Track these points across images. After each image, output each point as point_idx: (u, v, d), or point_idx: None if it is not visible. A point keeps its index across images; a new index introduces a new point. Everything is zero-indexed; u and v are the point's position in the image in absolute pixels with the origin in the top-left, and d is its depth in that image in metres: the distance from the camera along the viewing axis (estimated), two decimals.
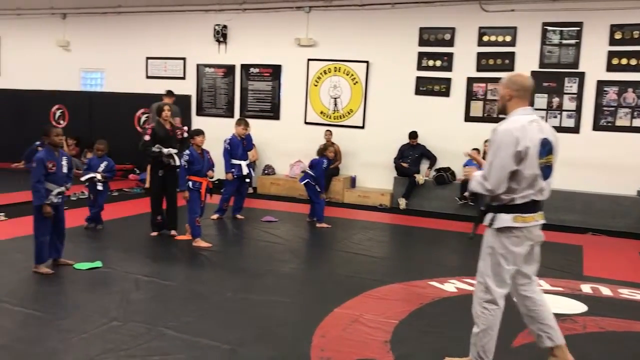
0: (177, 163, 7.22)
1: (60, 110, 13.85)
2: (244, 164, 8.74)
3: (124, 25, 13.22)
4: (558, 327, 3.71)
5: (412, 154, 10.76)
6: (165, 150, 7.20)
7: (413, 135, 10.69)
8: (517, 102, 3.59)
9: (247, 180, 8.93)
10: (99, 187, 7.64)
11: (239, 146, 8.75)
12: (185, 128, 8.08)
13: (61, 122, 13.74)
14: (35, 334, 4.22)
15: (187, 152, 7.06)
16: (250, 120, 11.53)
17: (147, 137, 7.28)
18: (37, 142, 13.05)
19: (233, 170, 8.62)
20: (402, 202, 10.56)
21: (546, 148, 3.48)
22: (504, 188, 3.40)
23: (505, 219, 3.47)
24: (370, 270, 6.35)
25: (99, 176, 7.63)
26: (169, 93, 11.52)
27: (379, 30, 11.14)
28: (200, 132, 7.23)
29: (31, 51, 14.17)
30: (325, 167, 8.67)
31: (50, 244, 5.75)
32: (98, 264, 5.96)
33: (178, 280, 5.66)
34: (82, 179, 7.68)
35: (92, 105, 13.46)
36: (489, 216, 3.56)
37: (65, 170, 5.79)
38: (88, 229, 7.59)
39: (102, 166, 7.72)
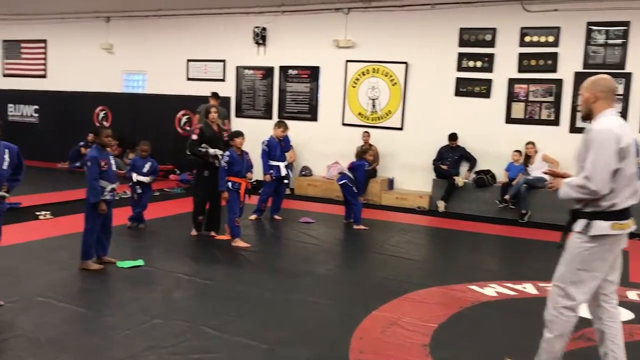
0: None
1: (104, 112, 14.18)
2: (282, 165, 8.79)
3: (166, 28, 13.45)
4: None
5: (452, 155, 10.63)
6: (211, 151, 7.29)
7: (453, 137, 10.57)
8: (603, 104, 3.47)
9: (285, 181, 8.98)
10: (138, 189, 7.79)
11: (277, 147, 8.81)
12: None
13: (104, 123, 14.06)
14: (80, 329, 4.33)
15: (227, 153, 7.14)
16: (288, 122, 11.61)
17: (194, 137, 7.40)
18: (81, 143, 13.50)
19: (272, 171, 8.67)
20: (441, 205, 10.45)
21: (636, 148, 3.41)
22: (609, 188, 3.27)
23: (602, 227, 3.33)
24: (409, 273, 6.31)
25: (147, 179, 7.82)
26: (214, 95, 11.68)
27: (419, 31, 11.06)
28: (239, 134, 7.30)
29: (76, 54, 14.53)
30: (366, 169, 8.65)
31: (97, 241, 5.90)
32: (140, 262, 6.07)
33: (217, 280, 5.72)
34: (135, 179, 7.83)
35: (134, 107, 13.73)
36: (581, 222, 3.40)
37: (114, 168, 5.98)
38: (131, 228, 7.74)
39: (147, 166, 7.88)
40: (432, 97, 11.01)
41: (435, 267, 6.86)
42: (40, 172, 11.92)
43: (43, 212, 8.23)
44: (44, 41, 15.09)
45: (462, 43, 10.75)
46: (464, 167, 10.74)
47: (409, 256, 7.07)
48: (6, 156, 4.61)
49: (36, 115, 14.94)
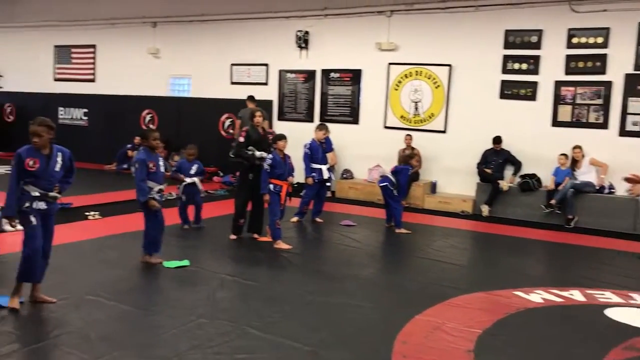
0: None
1: (150, 115, 14.51)
2: (324, 168, 8.83)
3: (210, 33, 13.68)
4: None
5: (496, 159, 10.47)
6: (257, 153, 7.37)
7: (497, 140, 10.41)
8: None
9: (328, 184, 9.00)
10: (181, 194, 8.00)
11: (319, 150, 8.84)
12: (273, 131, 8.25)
13: (151, 126, 14.38)
14: (128, 327, 4.44)
15: (270, 156, 7.21)
16: (329, 125, 11.64)
17: (241, 139, 7.50)
18: (128, 145, 13.84)
19: (314, 174, 8.71)
20: (485, 209, 10.30)
21: None
22: None
23: None
24: (452, 277, 6.24)
25: (197, 181, 8.02)
26: (251, 98, 11.83)
27: (462, 33, 10.94)
28: (282, 137, 7.37)
29: (124, 59, 14.93)
30: (410, 174, 8.59)
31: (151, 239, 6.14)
32: (185, 262, 6.18)
33: (260, 281, 5.78)
34: (187, 181, 8.01)
35: (180, 110, 14.00)
36: None
37: (162, 170, 6.14)
38: (188, 228, 7.96)
39: (194, 168, 8.03)
40: (476, 99, 10.88)
41: (479, 272, 6.77)
42: (88, 174, 12.26)
43: (92, 213, 8.48)
44: (93, 46, 15.55)
45: (507, 45, 10.59)
46: (508, 171, 10.57)
47: (452, 261, 7.00)
48: (59, 159, 4.76)
49: (85, 118, 15.39)
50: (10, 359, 3.83)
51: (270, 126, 11.98)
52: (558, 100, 10.25)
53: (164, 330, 4.38)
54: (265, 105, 12.68)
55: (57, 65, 16.27)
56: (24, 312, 4.62)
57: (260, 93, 12.94)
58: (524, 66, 10.48)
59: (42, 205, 4.69)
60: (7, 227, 7.18)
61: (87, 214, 8.42)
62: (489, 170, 10.43)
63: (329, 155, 11.54)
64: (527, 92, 10.48)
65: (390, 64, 11.64)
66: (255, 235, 7.60)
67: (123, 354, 3.91)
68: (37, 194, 4.63)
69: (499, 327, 4.77)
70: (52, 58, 16.27)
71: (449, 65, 11.11)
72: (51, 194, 4.72)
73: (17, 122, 16.06)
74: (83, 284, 5.36)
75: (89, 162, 13.48)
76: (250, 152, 7.35)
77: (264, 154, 7.36)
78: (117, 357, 3.86)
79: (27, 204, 4.64)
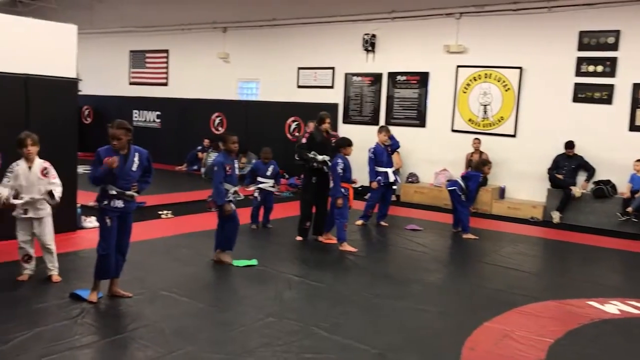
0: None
1: (219, 118, 14.88)
2: (390, 171, 8.79)
3: (278, 37, 13.91)
4: None
5: (568, 164, 10.13)
6: (319, 157, 7.45)
7: (570, 145, 10.07)
8: None
9: (394, 187, 8.96)
10: (261, 192, 8.21)
11: (384, 153, 8.81)
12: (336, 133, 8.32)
13: (220, 128, 14.76)
14: (199, 323, 4.58)
15: (340, 160, 7.25)
16: (395, 128, 11.56)
17: (303, 140, 7.61)
18: (199, 147, 14.25)
19: (379, 178, 8.69)
20: (556, 216, 9.98)
21: None
22: None
23: None
24: (521, 285, 6.09)
25: (272, 183, 8.29)
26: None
27: (534, 35, 10.66)
28: (351, 143, 7.41)
29: (195, 63, 15.39)
30: (480, 182, 8.45)
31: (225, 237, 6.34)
32: (254, 262, 6.32)
33: (327, 282, 5.83)
34: (261, 186, 8.24)
35: (247, 113, 14.29)
36: None
37: (237, 172, 6.34)
38: (257, 228, 8.16)
39: (270, 170, 8.23)
40: (548, 103, 10.57)
41: (550, 280, 6.58)
42: (161, 174, 12.60)
43: (165, 212, 8.80)
44: (166, 51, 16.11)
45: (582, 47, 10.23)
46: (581, 177, 10.20)
47: (522, 268, 6.83)
48: (136, 159, 4.97)
49: (158, 120, 15.95)
50: (90, 349, 4.04)
51: (335, 129, 12.05)
52: (636, 103, 9.81)
53: (234, 327, 4.50)
54: (331, 108, 12.79)
55: (132, 69, 16.96)
56: (103, 306, 4.85)
57: (326, 96, 13.05)
58: (599, 68, 10.10)
59: (119, 203, 4.89)
60: (86, 224, 7.60)
61: (160, 212, 8.75)
62: (560, 176, 10.11)
63: (393, 158, 11.52)
64: (603, 95, 10.08)
65: (459, 66, 11.48)
66: (320, 238, 7.66)
67: (196, 348, 4.05)
68: (114, 192, 4.85)
69: (572, 337, 4.64)
70: (128, 62, 16.97)
71: (519, 67, 10.84)
72: (128, 192, 4.92)
73: (94, 123, 16.83)
74: (157, 280, 5.58)
75: (161, 163, 13.90)
76: (312, 155, 7.42)
77: (326, 158, 7.43)
78: (191, 352, 3.99)
79: (105, 202, 4.87)
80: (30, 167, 5.27)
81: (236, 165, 6.35)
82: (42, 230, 5.37)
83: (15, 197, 5.22)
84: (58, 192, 5.33)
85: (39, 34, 7.07)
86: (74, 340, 4.11)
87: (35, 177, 5.27)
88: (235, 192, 6.29)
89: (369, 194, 9.08)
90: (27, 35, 6.93)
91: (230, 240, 6.34)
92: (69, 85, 7.26)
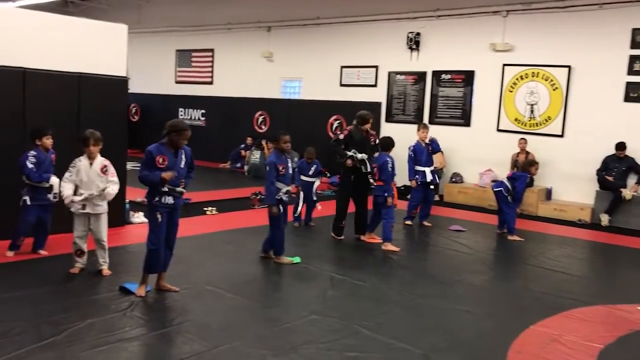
0: (368, 169, 7.42)
1: (263, 116, 15.01)
2: (427, 170, 8.69)
3: (321, 36, 13.94)
4: None
5: (619, 166, 9.83)
6: (359, 155, 7.42)
7: (621, 146, 9.77)
8: None
9: (432, 187, 8.84)
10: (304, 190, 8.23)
11: (424, 152, 8.73)
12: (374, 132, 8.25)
13: (263, 127, 14.88)
14: (244, 319, 4.64)
15: (389, 159, 7.23)
16: (439, 127, 11.43)
17: (341, 136, 7.59)
18: (242, 145, 14.41)
19: (417, 176, 8.64)
20: (605, 218, 9.71)
21: None
22: None
23: None
24: (569, 289, 5.96)
25: (317, 182, 8.38)
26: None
27: (584, 33, 10.39)
28: (394, 144, 7.37)
29: (239, 62, 15.56)
30: (527, 182, 8.30)
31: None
32: (297, 259, 6.36)
33: (370, 281, 5.82)
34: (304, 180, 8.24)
35: (290, 112, 14.36)
36: None
37: (290, 172, 6.32)
38: (300, 226, 8.22)
39: (312, 169, 8.30)
40: (598, 102, 10.29)
41: (599, 284, 6.41)
42: (205, 172, 12.87)
43: (210, 208, 8.93)
44: (212, 50, 16.34)
45: (635, 44, 9.91)
46: (632, 179, 9.89)
47: (570, 271, 6.67)
48: (183, 156, 5.08)
49: (203, 118, 16.19)
50: (138, 342, 4.14)
51: (377, 128, 12.01)
52: None
53: (279, 323, 4.55)
54: (374, 107, 12.76)
55: (178, 68, 17.27)
56: (151, 299, 4.97)
57: (369, 95, 13.01)
58: None
59: (170, 200, 5.02)
60: (134, 219, 7.78)
61: (205, 209, 8.88)
62: (610, 178, 9.82)
63: (437, 157, 11.38)
64: None
65: (505, 65, 11.28)
66: (363, 237, 7.65)
67: (241, 344, 4.11)
68: (165, 189, 4.96)
69: (623, 343, 4.52)
70: (174, 61, 17.28)
71: (568, 66, 10.58)
72: (178, 189, 5.04)
73: (140, 121, 17.21)
74: (203, 275, 5.68)
75: (205, 160, 14.15)
76: (351, 153, 7.38)
77: (365, 156, 7.39)
78: (236, 347, 4.05)
79: (156, 198, 4.99)
80: (91, 164, 5.47)
81: (289, 165, 6.30)
82: (98, 226, 5.55)
83: (74, 193, 5.42)
84: (113, 189, 5.49)
85: (92, 33, 7.29)
86: (124, 332, 4.23)
87: (95, 174, 5.46)
88: (288, 192, 6.24)
89: (410, 194, 9.01)
90: (80, 35, 7.15)
91: (281, 243, 6.32)
92: (120, 83, 7.45)
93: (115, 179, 5.57)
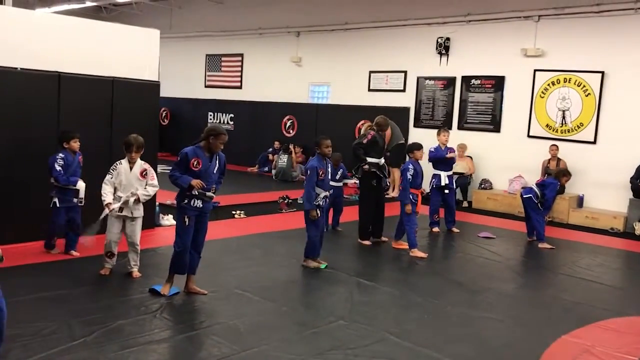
0: (386, 175, 7.56)
1: (291, 121, 15.07)
2: (443, 174, 8.59)
3: (350, 41, 13.94)
4: None
5: None
6: (381, 161, 7.52)
7: None
8: None
9: (446, 191, 8.72)
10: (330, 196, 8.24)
11: (442, 156, 8.68)
12: None
13: (291, 131, 14.94)
14: (272, 323, 4.65)
15: (411, 166, 7.19)
16: (468, 133, 11.33)
17: (364, 140, 7.60)
18: (269, 149, 14.48)
19: (434, 180, 8.59)
20: (638, 227, 9.49)
21: None
22: None
23: None
24: (602, 299, 5.84)
25: (340, 185, 8.38)
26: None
27: (618, 38, 10.19)
28: (420, 147, 7.30)
29: (268, 66, 15.65)
30: (557, 190, 8.17)
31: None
32: (323, 266, 6.35)
33: (397, 287, 5.79)
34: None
35: (318, 117, 14.38)
36: None
37: (329, 177, 6.35)
38: (325, 231, 8.15)
39: (338, 174, 8.31)
40: (632, 109, 10.08)
41: (633, 294, 6.25)
42: (234, 175, 12.92)
43: (238, 212, 8.99)
44: (241, 55, 16.47)
45: None
46: None
47: (602, 280, 6.54)
48: (217, 162, 5.12)
49: (232, 122, 16.31)
50: (167, 343, 4.19)
51: (406, 133, 11.98)
52: None
53: (306, 328, 4.55)
54: (402, 112, 12.73)
55: (208, 72, 17.44)
56: (180, 302, 5.02)
57: (398, 100, 12.97)
58: None
59: (199, 203, 5.06)
60: (164, 222, 7.87)
61: (233, 212, 8.94)
62: None
63: (465, 163, 11.29)
64: None
65: (536, 70, 11.13)
66: (385, 239, 7.64)
67: (270, 347, 4.12)
68: (196, 192, 5.00)
69: None
70: (204, 66, 17.46)
71: (601, 72, 10.39)
72: (208, 193, 5.08)
73: (170, 125, 17.42)
74: (231, 278, 5.72)
75: (234, 164, 14.21)
76: (364, 157, 7.44)
77: (381, 161, 7.53)
78: (264, 351, 4.06)
79: (185, 201, 5.03)
80: (131, 168, 5.57)
81: (329, 170, 6.29)
82: (133, 230, 5.63)
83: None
84: (151, 191, 5.63)
85: (125, 38, 7.41)
86: (153, 334, 4.28)
87: (135, 178, 5.57)
88: (326, 197, 6.25)
89: (430, 199, 8.89)
90: (113, 40, 7.28)
91: (314, 248, 6.32)
92: (152, 87, 7.55)
93: (155, 181, 5.69)
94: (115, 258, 5.67)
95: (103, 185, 5.55)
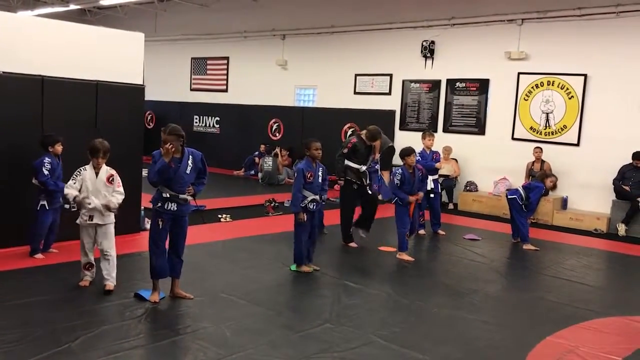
0: (367, 182, 7.59)
1: (277, 124, 15.04)
2: (429, 178, 8.60)
3: (336, 44, 13.97)
4: None
5: (636, 176, 9.72)
6: (363, 168, 7.58)
7: (638, 155, 9.66)
8: None
9: (432, 195, 8.74)
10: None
11: (428, 159, 8.69)
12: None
13: (277, 134, 14.93)
14: (258, 327, 4.64)
15: (399, 171, 7.18)
16: (453, 135, 11.38)
17: (345, 150, 7.65)
18: (256, 153, 14.45)
19: None
20: (622, 228, 9.61)
21: None
22: None
23: None
24: (586, 299, 5.90)
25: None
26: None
27: (600, 41, 10.31)
28: (411, 152, 7.26)
29: (254, 70, 15.63)
30: (542, 193, 8.24)
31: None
32: (312, 269, 6.33)
33: (383, 290, 5.81)
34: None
35: (304, 120, 14.38)
36: None
37: (320, 180, 6.26)
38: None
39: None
40: (615, 111, 10.20)
41: (616, 295, 6.32)
42: (220, 179, 12.95)
43: (224, 215, 8.96)
44: (227, 58, 16.44)
45: None
46: None
47: (586, 281, 6.61)
48: (190, 162, 5.02)
49: (217, 126, 16.26)
50: (153, 348, 4.17)
51: (392, 136, 12.02)
52: None
53: (293, 331, 4.54)
54: (388, 115, 12.77)
55: (193, 76, 17.39)
56: (165, 306, 4.99)
57: (383, 103, 13.02)
58: None
59: (173, 206, 4.98)
60: (149, 226, 7.81)
61: (219, 216, 8.91)
62: (627, 187, 9.72)
63: (450, 165, 11.35)
64: None
65: (520, 73, 11.23)
66: (361, 231, 7.72)
67: (256, 351, 4.11)
68: (167, 195, 4.95)
69: None
70: (189, 69, 17.41)
71: (584, 74, 10.51)
72: (182, 196, 4.99)
73: (155, 128, 17.30)
74: (217, 282, 5.70)
75: (219, 167, 14.24)
76: (343, 166, 7.58)
77: (363, 168, 7.58)
78: (251, 355, 4.06)
79: (159, 204, 4.98)
80: (97, 174, 5.36)
81: (319, 173, 6.23)
82: (104, 238, 5.34)
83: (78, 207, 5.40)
84: (118, 199, 5.35)
85: (109, 42, 7.37)
86: (138, 339, 4.25)
87: (102, 183, 5.33)
88: (314, 201, 6.17)
89: None
90: (98, 43, 7.23)
91: (308, 251, 6.29)
92: (136, 91, 7.51)
93: (121, 189, 5.42)
94: (94, 269, 5.46)
95: (65, 189, 5.36)
